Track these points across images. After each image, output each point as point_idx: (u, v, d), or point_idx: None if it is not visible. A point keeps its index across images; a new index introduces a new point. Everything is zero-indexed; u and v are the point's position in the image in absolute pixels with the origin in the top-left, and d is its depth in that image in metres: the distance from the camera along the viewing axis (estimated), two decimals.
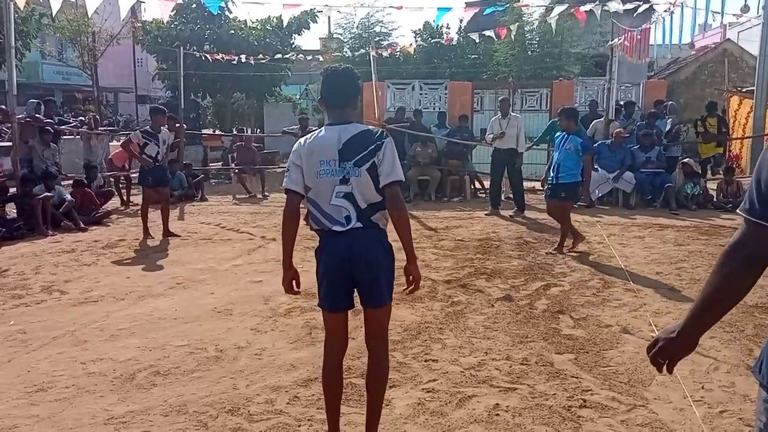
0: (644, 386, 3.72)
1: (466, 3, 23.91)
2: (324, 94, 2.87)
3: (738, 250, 1.60)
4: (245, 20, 21.88)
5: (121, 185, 11.60)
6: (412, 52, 14.55)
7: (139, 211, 8.48)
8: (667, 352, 1.73)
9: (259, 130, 22.76)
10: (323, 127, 2.85)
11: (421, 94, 13.58)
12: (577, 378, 3.83)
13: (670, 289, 5.67)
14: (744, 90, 13.97)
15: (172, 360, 4.15)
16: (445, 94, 13.21)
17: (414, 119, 12.21)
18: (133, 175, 12.24)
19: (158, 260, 7.01)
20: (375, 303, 2.85)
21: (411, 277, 2.86)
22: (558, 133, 7.36)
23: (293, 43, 21.97)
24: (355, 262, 2.76)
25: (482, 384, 3.74)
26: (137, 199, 11.46)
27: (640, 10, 8.51)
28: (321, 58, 15.49)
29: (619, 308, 5.13)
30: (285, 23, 18.37)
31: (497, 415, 3.37)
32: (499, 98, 10.92)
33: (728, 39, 22.02)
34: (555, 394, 3.61)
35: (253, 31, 21.04)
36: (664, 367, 1.75)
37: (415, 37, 22.50)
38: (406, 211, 2.80)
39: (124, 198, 11.34)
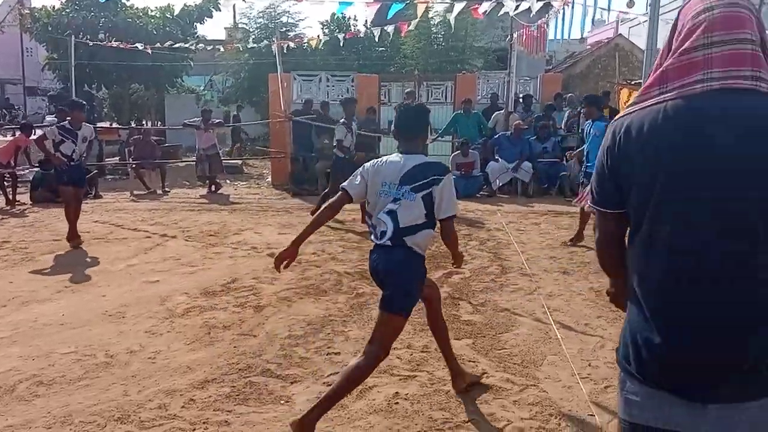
0: (536, 366, 3.88)
1: None
2: (397, 126, 3.24)
3: (600, 239, 1.80)
4: (145, 8, 20.91)
5: (6, 183, 10.77)
6: (316, 44, 14.34)
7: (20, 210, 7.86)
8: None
9: (160, 123, 21.83)
10: (395, 154, 3.20)
11: (328, 86, 13.49)
12: (474, 362, 3.94)
13: (562, 272, 5.95)
14: (633, 83, 14.83)
15: (57, 368, 3.90)
16: (353, 86, 13.18)
17: (321, 111, 12.11)
18: (20, 172, 11.43)
19: (46, 263, 6.58)
20: (382, 307, 3.12)
21: (455, 258, 3.33)
22: (586, 122, 7.42)
23: (196, 32, 21.21)
24: (380, 272, 3.11)
25: (383, 374, 3.77)
26: (24, 198, 10.72)
27: (536, 8, 8.84)
28: (222, 49, 14.97)
29: (515, 292, 5.33)
30: (177, 11, 17.56)
31: (396, 403, 3.41)
32: (406, 91, 11.02)
33: (620, 34, 23.28)
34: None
35: (152, 20, 20.11)
36: None
37: (322, 29, 22.35)
38: (456, 237, 3.22)
39: (9, 197, 10.55)
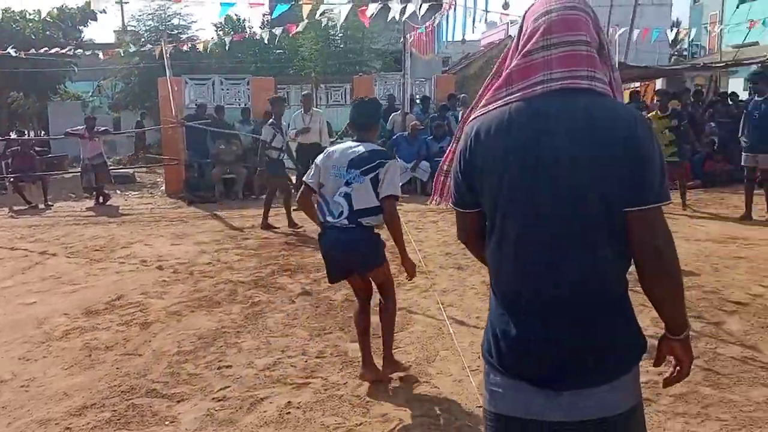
0: (429, 362, 3.93)
1: None
2: (353, 118, 3.65)
3: (459, 234, 1.86)
4: (22, 11, 19.47)
5: None
6: (205, 47, 13.87)
7: None
8: None
9: (44, 132, 20.41)
10: (349, 141, 3.61)
11: (222, 89, 13.13)
12: None
13: (457, 268, 6.09)
14: None
15: None
16: (248, 89, 12.90)
17: (216, 116, 11.76)
18: None
19: None
20: (367, 269, 3.56)
21: (405, 269, 3.59)
22: None
23: (81, 36, 20.00)
24: (339, 252, 3.46)
25: (276, 384, 3.69)
26: None
27: (421, 11, 9.01)
28: (101, 55, 14.13)
29: (412, 290, 5.38)
30: (44, 14, 16.43)
31: (288, 413, 3.34)
32: (302, 93, 10.91)
33: (509, 35, 24.29)
34: (346, 383, 3.68)
35: (30, 24, 18.78)
36: None
37: (216, 31, 21.75)
38: (399, 219, 3.48)
39: None
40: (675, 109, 9.11)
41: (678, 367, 1.65)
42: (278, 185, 8.68)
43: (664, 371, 1.71)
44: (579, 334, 1.57)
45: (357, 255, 3.46)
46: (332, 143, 11.04)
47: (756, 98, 7.83)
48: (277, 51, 21.02)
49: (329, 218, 3.43)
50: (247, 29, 20.99)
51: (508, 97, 1.62)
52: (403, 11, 8.69)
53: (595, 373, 1.58)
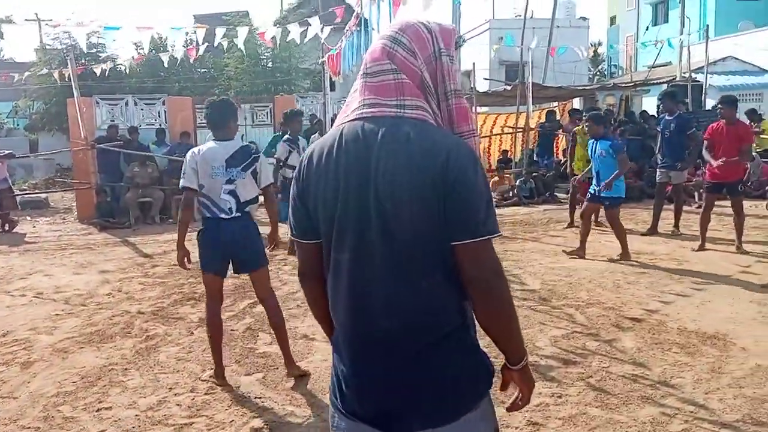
0: (324, 393, 3.80)
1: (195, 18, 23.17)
2: (209, 118, 3.90)
3: (299, 270, 1.75)
4: None
5: None
6: (128, 68, 13.45)
7: None
8: None
9: None
10: (210, 141, 3.85)
11: (138, 110, 12.68)
12: (260, 398, 3.77)
13: None
14: None
15: None
16: (164, 110, 12.52)
17: (129, 137, 11.34)
18: None
19: None
20: (254, 267, 3.95)
21: (273, 239, 4.09)
22: (590, 140, 7.16)
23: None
24: (236, 241, 3.79)
25: (156, 425, 3.47)
26: None
27: (324, 33, 9.00)
28: (15, 77, 13.44)
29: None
30: None
31: None
32: None
33: None
34: (233, 420, 3.50)
35: None
36: None
37: (137, 50, 21.12)
38: (277, 210, 4.10)
39: None
40: None
41: (520, 395, 1.61)
42: None
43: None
44: (416, 370, 1.51)
45: (248, 248, 3.85)
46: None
47: (666, 117, 8.16)
48: (202, 70, 20.64)
49: (222, 215, 3.77)
50: (170, 48, 20.48)
51: (343, 121, 1.57)
52: (304, 34, 8.65)
53: (438, 412, 1.52)
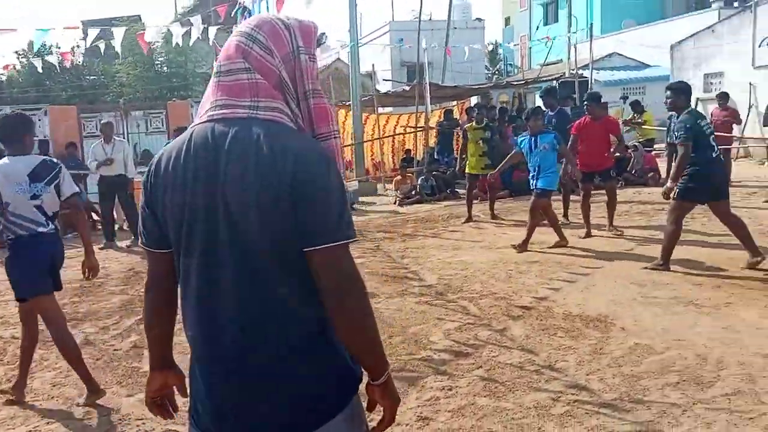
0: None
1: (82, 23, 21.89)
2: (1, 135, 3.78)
3: (147, 281, 1.63)
4: None
5: None
6: (7, 76, 12.53)
7: None
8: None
9: None
10: (6, 158, 3.68)
11: None
12: (141, 420, 3.56)
13: None
14: (347, 103, 15.75)
15: None
16: (46, 120, 11.74)
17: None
18: None
19: None
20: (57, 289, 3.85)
21: (90, 266, 3.91)
22: (521, 139, 7.15)
23: None
24: (58, 252, 3.79)
25: None
26: None
27: (212, 35, 8.76)
28: None
29: None
30: None
31: None
32: (102, 122, 10.12)
33: (338, 59, 24.72)
34: None
35: None
36: None
37: (18, 58, 19.75)
38: (83, 211, 4.24)
39: None
40: (489, 123, 9.67)
41: (384, 414, 1.52)
42: None
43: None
44: (271, 383, 1.43)
45: (59, 265, 3.83)
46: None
47: (549, 112, 8.51)
48: (91, 77, 19.59)
49: (42, 229, 3.65)
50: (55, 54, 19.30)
51: (195, 121, 1.48)
52: (188, 34, 8.37)
53: (297, 424, 1.44)
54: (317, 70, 1.57)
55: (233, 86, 1.44)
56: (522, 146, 7.20)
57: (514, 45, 27.70)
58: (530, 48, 24.32)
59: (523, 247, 6.91)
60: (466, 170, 9.34)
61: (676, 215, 5.62)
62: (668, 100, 5.88)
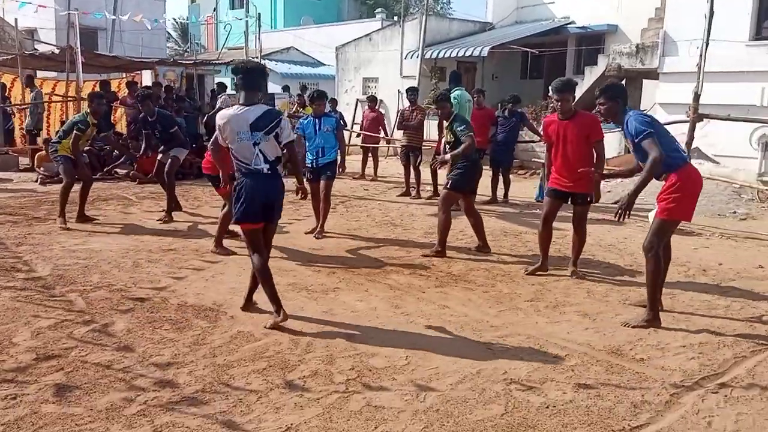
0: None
1: None
2: (238, 81, 4.18)
3: None
4: None
5: None
6: None
7: None
8: None
9: None
10: (236, 106, 4.19)
11: None
12: None
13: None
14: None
15: None
16: None
17: None
18: None
19: None
20: (275, 221, 4.42)
21: (301, 191, 4.58)
22: (305, 122, 7.21)
23: None
24: (265, 195, 4.21)
25: None
26: None
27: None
28: None
29: None
30: None
31: None
32: None
33: None
34: None
35: None
36: None
37: None
38: (298, 161, 4.71)
39: None
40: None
41: None
42: None
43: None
44: None
45: (279, 201, 4.34)
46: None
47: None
48: None
49: (253, 167, 4.18)
50: None
51: None
52: None
53: None
54: None
55: None
56: (306, 128, 7.16)
57: (201, 23, 26.81)
58: (217, 30, 23.78)
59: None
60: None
61: (447, 205, 6.21)
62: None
